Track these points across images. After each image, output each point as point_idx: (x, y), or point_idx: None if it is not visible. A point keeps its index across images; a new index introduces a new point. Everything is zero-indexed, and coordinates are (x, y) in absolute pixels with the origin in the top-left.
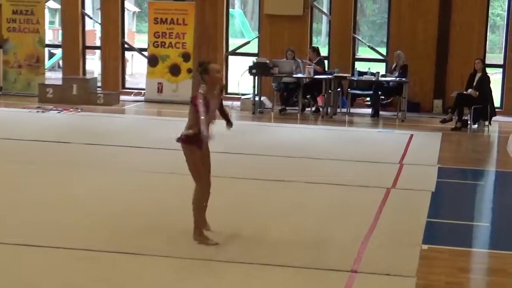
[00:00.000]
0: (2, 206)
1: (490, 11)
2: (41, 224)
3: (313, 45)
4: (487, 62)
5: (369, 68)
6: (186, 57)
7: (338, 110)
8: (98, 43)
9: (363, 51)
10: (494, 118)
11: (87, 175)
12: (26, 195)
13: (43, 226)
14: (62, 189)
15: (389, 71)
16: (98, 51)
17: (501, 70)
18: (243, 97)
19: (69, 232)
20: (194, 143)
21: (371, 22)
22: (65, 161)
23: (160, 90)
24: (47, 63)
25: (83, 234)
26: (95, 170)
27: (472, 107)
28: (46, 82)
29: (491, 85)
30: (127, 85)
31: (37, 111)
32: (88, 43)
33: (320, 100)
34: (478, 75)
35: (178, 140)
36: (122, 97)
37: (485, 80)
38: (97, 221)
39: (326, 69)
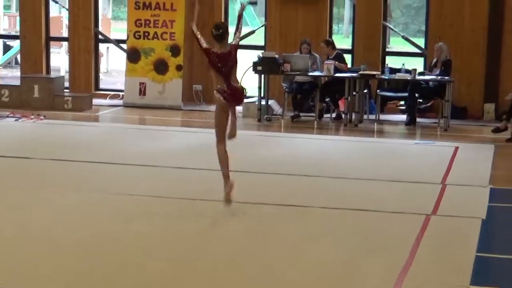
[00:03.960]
0: None
1: None
2: None
3: (327, 38)
4: None
5: (403, 64)
6: (175, 50)
7: (365, 116)
8: (65, 33)
9: (395, 43)
10: None
11: (52, 199)
12: None
13: None
14: (21, 217)
15: (428, 67)
16: (65, 43)
17: None
18: (246, 100)
19: (28, 272)
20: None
21: (405, 6)
22: (24, 181)
23: (142, 92)
24: (2, 58)
25: (44, 275)
26: (62, 193)
27: None
28: (1, 82)
29: None
30: (101, 86)
31: None
32: (53, 33)
33: (342, 105)
34: None
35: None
36: (95, 101)
37: None
38: (63, 258)
39: (350, 65)
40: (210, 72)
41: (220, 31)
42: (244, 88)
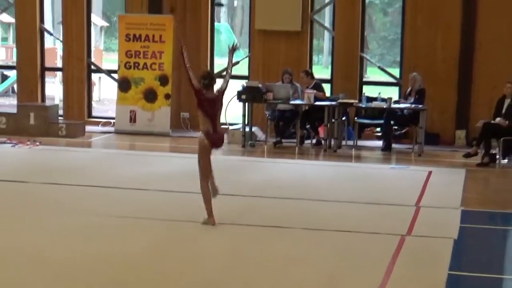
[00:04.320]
0: None
1: None
2: None
3: (306, 69)
4: None
5: (379, 93)
6: (163, 80)
7: (343, 142)
8: (59, 64)
9: (372, 73)
10: None
11: (47, 221)
12: None
13: None
14: (17, 237)
15: (403, 96)
16: (59, 73)
17: None
18: (231, 127)
19: None
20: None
21: (381, 38)
22: (20, 204)
23: (133, 119)
24: None
25: None
26: (56, 214)
27: (502, 139)
28: None
29: None
30: (94, 114)
31: None
32: (47, 64)
33: (322, 131)
34: (508, 101)
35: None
36: (88, 128)
37: None
38: (58, 275)
39: (328, 94)
40: (198, 112)
41: (207, 81)
42: (226, 133)
